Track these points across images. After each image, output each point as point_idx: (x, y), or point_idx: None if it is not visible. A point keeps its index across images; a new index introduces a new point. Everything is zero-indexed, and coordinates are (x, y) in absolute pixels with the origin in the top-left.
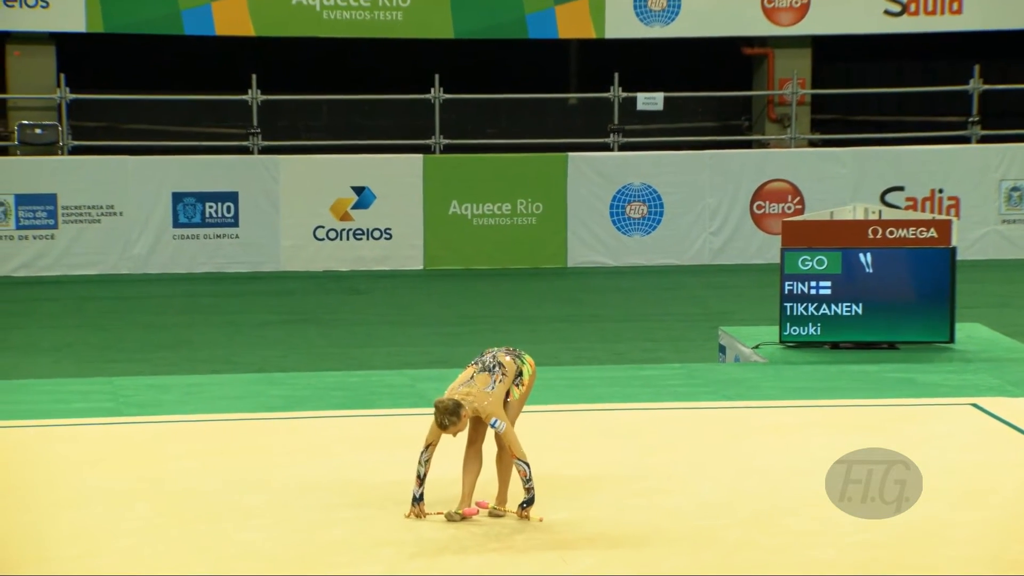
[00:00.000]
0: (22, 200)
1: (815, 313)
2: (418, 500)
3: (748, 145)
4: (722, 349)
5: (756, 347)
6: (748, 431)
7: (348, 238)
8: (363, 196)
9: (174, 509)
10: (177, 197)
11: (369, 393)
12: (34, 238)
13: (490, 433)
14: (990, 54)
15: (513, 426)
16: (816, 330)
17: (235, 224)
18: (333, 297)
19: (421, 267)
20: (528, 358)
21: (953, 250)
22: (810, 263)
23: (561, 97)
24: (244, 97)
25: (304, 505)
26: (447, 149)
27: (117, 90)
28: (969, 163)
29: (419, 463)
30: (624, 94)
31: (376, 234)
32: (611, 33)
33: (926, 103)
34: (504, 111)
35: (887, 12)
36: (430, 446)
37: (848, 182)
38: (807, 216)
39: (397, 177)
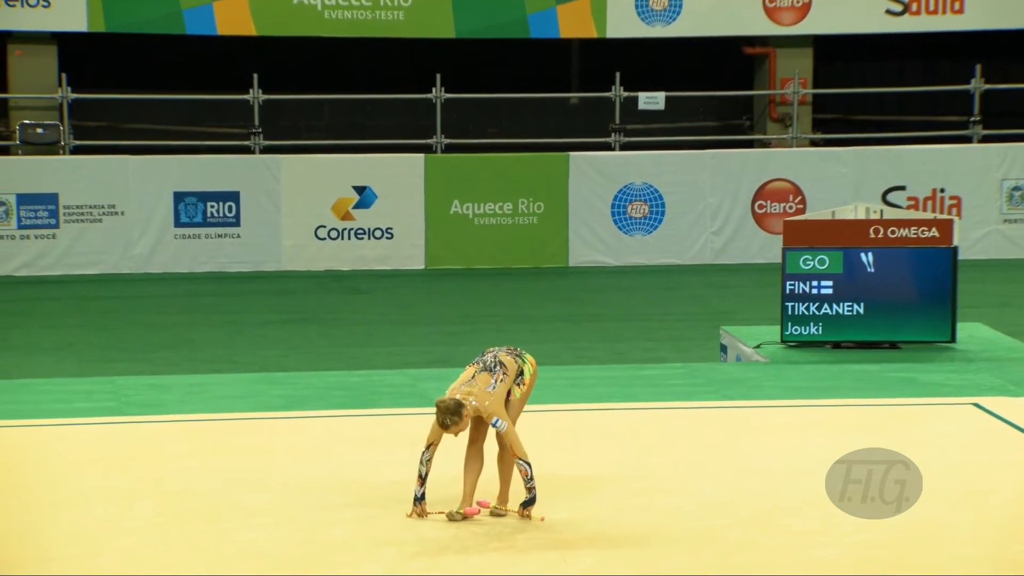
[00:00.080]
0: (23, 200)
1: (816, 313)
2: (419, 499)
3: (749, 145)
4: (723, 349)
5: (757, 347)
6: (749, 431)
7: (349, 238)
8: (364, 196)
9: (175, 509)
10: (178, 197)
11: (370, 393)
12: (35, 238)
13: (491, 432)
14: (992, 54)
15: (514, 425)
16: (817, 330)
17: (236, 224)
18: (334, 297)
19: (422, 267)
20: (529, 357)
21: (955, 250)
22: (811, 263)
23: (562, 97)
24: (245, 97)
25: (305, 505)
26: (448, 149)
27: (118, 90)
28: (970, 163)
29: (420, 463)
30: (625, 94)
31: (377, 234)
32: (612, 33)
33: (927, 103)
34: (505, 111)
35: (888, 12)
36: (431, 446)
37: (849, 182)
38: (808, 216)
39: (398, 177)
